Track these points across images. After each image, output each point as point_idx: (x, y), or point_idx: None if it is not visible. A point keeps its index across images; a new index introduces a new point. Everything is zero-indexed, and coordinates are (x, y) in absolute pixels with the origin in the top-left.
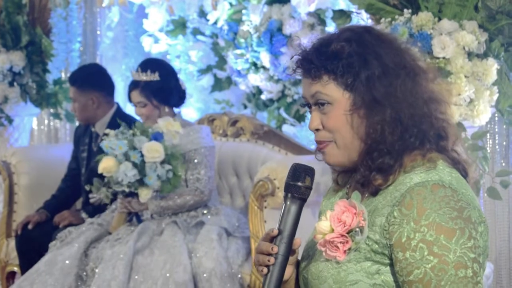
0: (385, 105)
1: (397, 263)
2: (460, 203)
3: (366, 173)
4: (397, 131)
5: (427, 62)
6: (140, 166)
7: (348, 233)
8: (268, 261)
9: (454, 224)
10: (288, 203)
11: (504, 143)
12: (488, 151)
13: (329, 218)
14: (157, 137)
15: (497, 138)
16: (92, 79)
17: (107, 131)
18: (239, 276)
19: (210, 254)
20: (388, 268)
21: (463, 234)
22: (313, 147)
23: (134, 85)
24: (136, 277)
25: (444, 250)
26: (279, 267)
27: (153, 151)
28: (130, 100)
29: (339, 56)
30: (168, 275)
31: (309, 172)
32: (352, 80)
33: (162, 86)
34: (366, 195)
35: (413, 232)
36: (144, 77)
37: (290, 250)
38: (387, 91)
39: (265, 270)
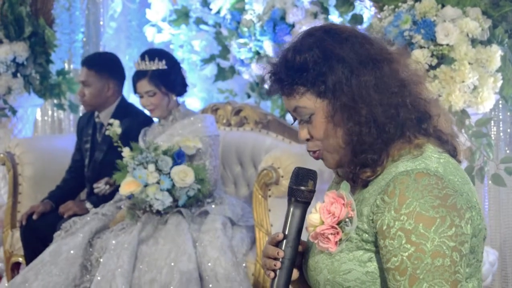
0: (356, 107)
1: (380, 250)
2: (445, 191)
3: (352, 169)
4: (373, 130)
5: (394, 46)
6: (169, 190)
7: (338, 224)
8: (275, 265)
9: (435, 212)
10: (292, 207)
11: (509, 130)
12: (492, 138)
13: (319, 210)
14: (180, 155)
15: (501, 125)
16: (111, 66)
17: (111, 120)
18: (244, 265)
19: (214, 243)
20: (379, 255)
21: (444, 222)
22: None
23: (141, 75)
24: (140, 266)
25: (422, 238)
26: (285, 271)
27: (183, 175)
28: (135, 91)
29: (304, 67)
30: (172, 264)
31: (311, 175)
32: (323, 88)
33: (169, 73)
34: (358, 187)
35: (393, 220)
36: (153, 65)
37: (296, 254)
38: (356, 93)
39: (272, 274)
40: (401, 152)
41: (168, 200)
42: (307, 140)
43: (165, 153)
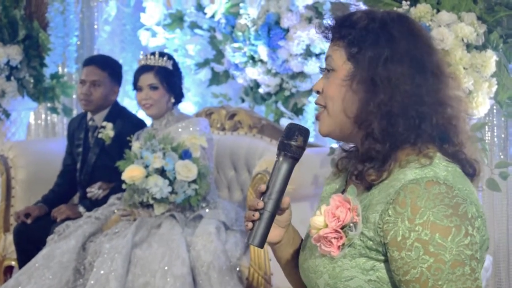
0: (379, 88)
1: (392, 262)
2: (456, 200)
3: (358, 165)
4: (384, 118)
5: (450, 69)
6: (171, 182)
7: (342, 228)
8: (253, 215)
9: (450, 222)
10: (280, 160)
11: (503, 135)
12: (487, 143)
13: (324, 213)
14: (187, 154)
15: (495, 130)
16: (120, 71)
17: (104, 123)
18: (238, 269)
19: (208, 247)
20: (382, 264)
21: (459, 231)
22: (311, 140)
23: (148, 68)
24: (134, 270)
25: (440, 249)
26: (264, 224)
27: (187, 170)
28: (135, 85)
29: (355, 25)
30: (166, 268)
31: (302, 131)
32: (356, 52)
33: (173, 75)
34: (361, 188)
35: (408, 231)
36: (161, 62)
37: (277, 208)
38: (387, 77)
39: (250, 225)
40: (409, 158)
41: (166, 189)
42: (317, 92)
43: (174, 149)
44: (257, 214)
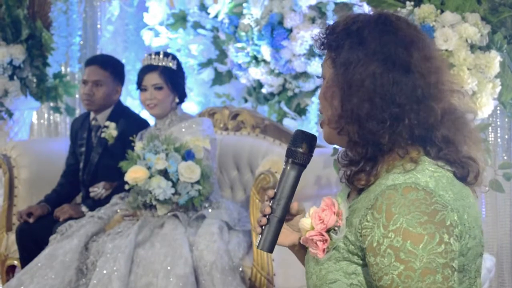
0: (351, 92)
1: (369, 267)
2: (434, 206)
3: (347, 170)
4: (356, 123)
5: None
6: (174, 184)
7: (327, 231)
8: (261, 221)
9: (423, 229)
10: (287, 167)
11: (506, 136)
12: (490, 144)
13: (311, 215)
14: (189, 155)
15: (499, 131)
16: (122, 70)
17: (107, 123)
18: (240, 269)
19: (211, 247)
20: (363, 269)
21: (432, 239)
22: None
23: (152, 68)
24: (137, 270)
25: (411, 256)
26: (272, 229)
27: (190, 171)
28: (140, 85)
29: (334, 32)
30: (169, 268)
31: (306, 138)
32: (334, 57)
33: (178, 75)
34: (355, 193)
35: (382, 237)
36: (166, 62)
37: (285, 213)
38: (358, 79)
39: (258, 229)
40: (395, 163)
41: (170, 191)
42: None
43: (176, 150)
44: (264, 220)
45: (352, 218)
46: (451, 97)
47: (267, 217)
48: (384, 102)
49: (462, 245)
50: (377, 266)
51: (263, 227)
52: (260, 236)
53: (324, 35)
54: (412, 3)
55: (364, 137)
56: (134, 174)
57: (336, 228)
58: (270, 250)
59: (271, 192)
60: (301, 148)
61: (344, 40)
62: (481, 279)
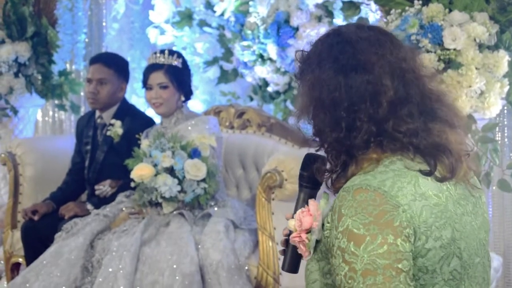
0: (324, 106)
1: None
2: (383, 207)
3: (326, 175)
4: (317, 132)
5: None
6: (180, 182)
7: (308, 232)
8: (282, 243)
9: (366, 230)
10: (300, 191)
11: None
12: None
13: (296, 217)
14: (196, 153)
15: (506, 130)
16: (126, 68)
17: (113, 121)
18: (246, 268)
19: (217, 246)
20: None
21: (374, 240)
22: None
23: (158, 67)
24: (142, 268)
25: (353, 257)
26: (290, 250)
27: (196, 169)
28: (145, 84)
29: (301, 59)
30: (175, 266)
31: (313, 161)
32: (300, 81)
33: (183, 73)
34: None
35: (334, 239)
36: (171, 60)
37: None
38: (315, 92)
39: (281, 251)
40: (362, 165)
41: (175, 189)
42: None
43: (183, 148)
44: (284, 241)
45: (325, 220)
46: (422, 83)
47: (286, 238)
48: (336, 108)
49: (418, 246)
50: (332, 266)
51: (285, 249)
52: (284, 257)
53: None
54: (420, 2)
55: (333, 146)
56: (140, 171)
57: (313, 230)
58: (294, 270)
59: (288, 215)
60: (307, 171)
61: (305, 63)
62: (470, 282)
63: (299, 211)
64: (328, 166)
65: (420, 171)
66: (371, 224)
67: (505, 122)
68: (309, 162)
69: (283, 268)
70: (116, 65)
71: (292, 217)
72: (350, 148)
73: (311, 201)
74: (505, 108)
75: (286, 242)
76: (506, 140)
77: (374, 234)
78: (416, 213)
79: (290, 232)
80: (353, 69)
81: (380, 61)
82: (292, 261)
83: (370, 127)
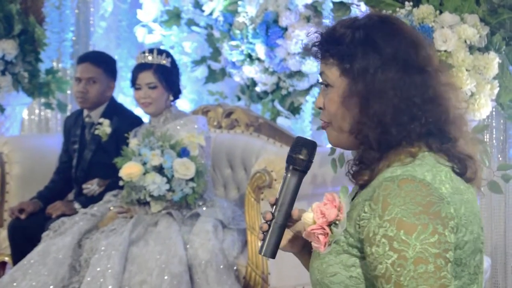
0: (370, 99)
1: (366, 257)
2: (429, 198)
3: (354, 167)
4: (378, 128)
5: (438, 59)
6: (169, 180)
7: (329, 225)
8: (262, 227)
9: (416, 219)
10: (287, 174)
11: (502, 137)
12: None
13: (313, 210)
14: (185, 153)
15: (494, 132)
16: (114, 66)
17: (101, 120)
18: (235, 268)
19: (205, 246)
20: (363, 261)
21: (426, 229)
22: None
23: (146, 66)
24: (131, 268)
25: (404, 245)
26: (273, 235)
27: (185, 168)
28: (134, 83)
29: (341, 41)
30: (163, 266)
31: (306, 145)
32: (349, 67)
33: (172, 72)
34: (357, 188)
35: (378, 227)
36: (160, 60)
37: (286, 219)
38: (376, 87)
39: (260, 236)
40: (397, 158)
41: (164, 187)
42: (320, 108)
43: (172, 147)
44: (265, 226)
45: (353, 212)
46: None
47: (268, 223)
48: (405, 105)
49: (458, 238)
50: (373, 255)
51: (265, 233)
52: (262, 242)
53: (326, 44)
54: (411, 3)
55: (385, 140)
56: (129, 170)
57: (337, 222)
58: (273, 255)
59: (272, 199)
60: (301, 154)
61: (355, 48)
62: (483, 278)
63: (318, 203)
64: (355, 157)
65: (453, 168)
66: (421, 214)
67: (494, 124)
68: (301, 145)
69: (263, 253)
70: (105, 64)
71: (275, 200)
72: (395, 142)
73: (331, 194)
74: (493, 109)
75: (268, 227)
76: (494, 141)
77: (425, 223)
78: (457, 206)
79: (272, 219)
80: (419, 71)
81: (432, 61)
82: (275, 247)
83: (431, 127)
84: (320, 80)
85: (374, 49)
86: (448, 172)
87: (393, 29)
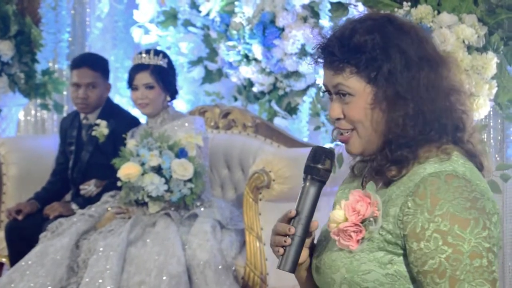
0: (407, 99)
1: (411, 253)
2: (474, 194)
3: (382, 163)
4: (418, 125)
5: (445, 51)
6: (167, 181)
7: (362, 222)
8: (285, 241)
9: (468, 214)
10: (307, 184)
11: (499, 137)
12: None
13: (344, 207)
14: (183, 153)
15: (492, 132)
16: (108, 68)
17: (98, 121)
18: (233, 268)
19: (204, 246)
20: (401, 258)
21: (478, 224)
22: (305, 140)
23: (143, 67)
24: (129, 268)
25: (459, 240)
26: (295, 248)
27: (183, 169)
28: (130, 84)
29: (362, 49)
30: (161, 266)
31: (329, 154)
32: (375, 74)
33: (169, 73)
34: (380, 185)
35: (427, 222)
36: (156, 61)
37: (307, 232)
38: (410, 85)
39: (281, 250)
40: (428, 155)
41: (162, 188)
42: (338, 119)
43: (170, 148)
44: (288, 240)
45: (388, 208)
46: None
47: (290, 237)
48: (434, 103)
49: (498, 233)
50: (421, 251)
51: (285, 248)
52: (282, 256)
53: (340, 55)
54: (409, 3)
55: (417, 138)
56: (127, 170)
57: (372, 219)
58: (293, 270)
59: (293, 212)
60: (323, 164)
61: (377, 54)
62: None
63: (348, 201)
64: (380, 156)
65: (476, 165)
66: (471, 209)
67: (491, 124)
68: (320, 155)
69: (284, 268)
70: (101, 67)
71: (296, 212)
72: (429, 137)
73: (357, 192)
74: (491, 109)
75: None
76: (491, 141)
77: (476, 218)
78: (494, 202)
79: (294, 232)
80: (438, 66)
81: (450, 59)
82: (296, 261)
83: (452, 117)
84: (331, 90)
85: (395, 50)
86: (476, 170)
87: (402, 27)
